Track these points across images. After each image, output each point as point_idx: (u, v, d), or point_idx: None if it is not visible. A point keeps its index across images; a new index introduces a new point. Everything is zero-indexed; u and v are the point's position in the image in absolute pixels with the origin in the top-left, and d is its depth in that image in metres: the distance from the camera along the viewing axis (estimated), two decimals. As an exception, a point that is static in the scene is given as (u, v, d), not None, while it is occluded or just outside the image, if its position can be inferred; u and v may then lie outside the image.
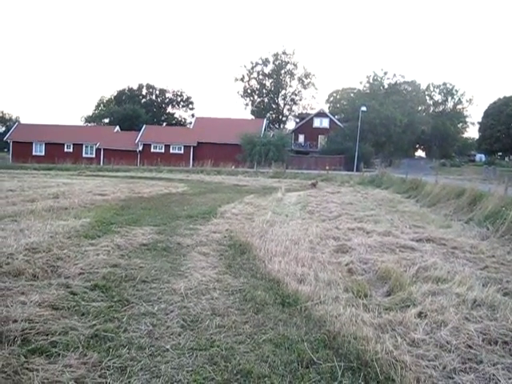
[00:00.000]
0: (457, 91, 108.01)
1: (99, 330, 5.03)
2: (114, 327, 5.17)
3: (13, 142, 66.02)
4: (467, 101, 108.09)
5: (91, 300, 6.01)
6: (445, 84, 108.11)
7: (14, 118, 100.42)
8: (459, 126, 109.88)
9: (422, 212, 17.08)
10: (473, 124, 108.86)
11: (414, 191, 24.04)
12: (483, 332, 5.19)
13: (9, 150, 68.14)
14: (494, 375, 4.35)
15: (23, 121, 77.95)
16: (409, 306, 6.10)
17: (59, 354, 4.48)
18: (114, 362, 4.38)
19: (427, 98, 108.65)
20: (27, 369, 4.18)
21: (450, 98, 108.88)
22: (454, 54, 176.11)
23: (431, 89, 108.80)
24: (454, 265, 8.48)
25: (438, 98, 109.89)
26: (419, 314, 5.78)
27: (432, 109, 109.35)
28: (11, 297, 5.87)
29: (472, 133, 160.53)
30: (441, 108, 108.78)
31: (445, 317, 5.60)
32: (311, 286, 6.85)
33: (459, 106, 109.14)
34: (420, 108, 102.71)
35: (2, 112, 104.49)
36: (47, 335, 4.84)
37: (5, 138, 69.34)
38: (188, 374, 4.27)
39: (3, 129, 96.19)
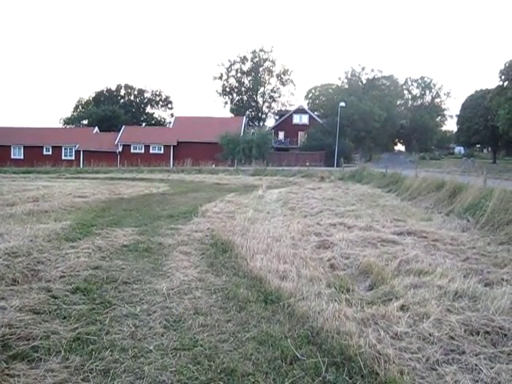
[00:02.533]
0: (434, 85, 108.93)
1: (81, 333, 4.99)
2: (96, 330, 5.13)
3: (-10, 145, 65.31)
4: (445, 94, 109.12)
5: (73, 303, 5.97)
6: (422, 78, 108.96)
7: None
8: (438, 119, 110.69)
9: (403, 206, 17.19)
10: (451, 117, 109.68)
11: (394, 185, 24.15)
12: (465, 323, 5.24)
13: (-14, 154, 67.35)
14: (476, 365, 4.39)
15: (0, 124, 76.82)
16: (391, 300, 6.13)
17: (41, 359, 4.44)
18: (96, 365, 4.35)
19: (405, 92, 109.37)
20: (8, 375, 4.13)
21: (427, 92, 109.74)
22: (430, 48, 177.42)
23: (409, 83, 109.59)
24: (436, 257, 8.55)
25: (416, 92, 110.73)
26: (402, 307, 5.81)
27: (410, 103, 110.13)
28: (-9, 302, 5.80)
29: (450, 126, 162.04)
30: (419, 102, 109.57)
31: (427, 309, 5.64)
32: (293, 282, 6.86)
33: (437, 100, 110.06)
34: (399, 102, 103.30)
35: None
36: (28, 340, 4.79)
37: (-18, 142, 68.54)
38: (172, 374, 4.25)
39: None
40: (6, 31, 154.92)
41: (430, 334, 4.99)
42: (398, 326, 5.20)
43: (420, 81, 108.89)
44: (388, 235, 10.57)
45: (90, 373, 4.23)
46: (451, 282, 6.76)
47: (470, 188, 15.13)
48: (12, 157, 63.22)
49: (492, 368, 4.35)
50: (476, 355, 4.58)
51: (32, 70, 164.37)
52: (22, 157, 63.57)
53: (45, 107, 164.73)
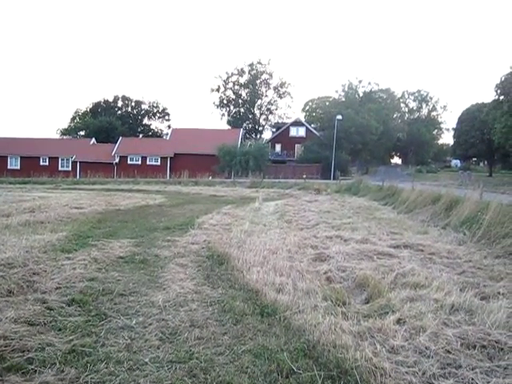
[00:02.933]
0: (431, 98, 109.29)
1: (76, 345, 4.97)
2: (91, 342, 5.11)
3: (-14, 156, 65.26)
4: (441, 107, 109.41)
5: (68, 315, 5.94)
6: (419, 91, 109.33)
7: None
8: (434, 132, 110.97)
9: (399, 219, 17.19)
10: (447, 130, 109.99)
11: (390, 198, 24.19)
12: (461, 337, 5.22)
13: (-17, 164, 67.32)
14: (472, 379, 4.38)
15: (-3, 134, 76.96)
16: (387, 313, 6.12)
17: (36, 371, 4.42)
18: (91, 378, 4.33)
19: (402, 105, 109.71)
20: (2, 387, 4.11)
21: (424, 105, 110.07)
22: (427, 62, 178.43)
23: (406, 96, 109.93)
24: (432, 270, 8.54)
25: (412, 105, 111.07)
26: (398, 321, 5.80)
27: (407, 116, 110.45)
28: (-14, 314, 5.77)
29: (447, 139, 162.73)
30: (416, 115, 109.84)
31: (423, 323, 5.62)
32: (290, 295, 6.84)
33: (434, 113, 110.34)
34: (395, 115, 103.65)
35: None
36: (23, 352, 4.77)
37: (-22, 153, 68.51)
38: (167, 387, 4.23)
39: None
40: (3, 41, 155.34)
41: (426, 348, 4.98)
42: (395, 340, 5.19)
43: (417, 94, 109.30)
44: (384, 248, 10.57)
45: (85, 385, 4.21)
46: (447, 295, 6.75)
47: (466, 201, 15.17)
48: (9, 167, 63.25)
49: (488, 382, 4.33)
50: (472, 369, 4.57)
51: (29, 80, 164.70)
52: (18, 167, 63.57)
53: (42, 118, 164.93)
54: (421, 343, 5.08)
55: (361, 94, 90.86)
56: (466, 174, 55.72)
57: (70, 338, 5.19)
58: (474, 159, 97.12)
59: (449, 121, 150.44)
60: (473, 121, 71.23)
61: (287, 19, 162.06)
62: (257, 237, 11.88)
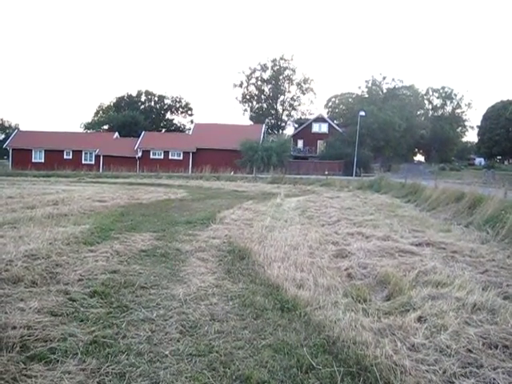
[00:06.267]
0: (455, 95, 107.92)
1: (98, 337, 5.02)
2: (112, 333, 5.16)
3: (12, 149, 65.96)
4: (466, 105, 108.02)
5: (90, 306, 6.01)
6: (443, 88, 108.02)
7: (13, 125, 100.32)
8: (458, 129, 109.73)
9: (422, 216, 17.07)
10: (472, 128, 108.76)
11: (413, 196, 24.02)
12: (483, 336, 5.17)
13: (8, 157, 68.10)
14: (494, 379, 4.33)
15: (23, 128, 77.95)
16: (408, 311, 6.09)
17: (58, 361, 4.48)
18: (112, 369, 4.37)
19: (426, 102, 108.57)
20: (26, 375, 4.18)
21: (448, 102, 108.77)
22: (452, 58, 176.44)
23: (430, 93, 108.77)
24: (454, 269, 8.47)
25: (436, 102, 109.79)
26: (419, 319, 5.76)
27: (431, 113, 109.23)
28: (10, 303, 5.87)
29: (471, 137, 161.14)
30: (439, 112, 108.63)
31: (445, 321, 5.58)
32: (310, 291, 6.84)
33: (458, 110, 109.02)
34: (419, 112, 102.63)
35: (2, 119, 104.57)
36: (46, 342, 4.84)
37: (4, 146, 69.30)
38: (187, 379, 4.26)
39: (3, 136, 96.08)
40: (30, 36, 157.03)
41: (447, 347, 4.93)
42: (415, 338, 5.16)
43: (441, 91, 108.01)
44: (406, 246, 10.50)
45: (106, 376, 4.25)
46: (470, 294, 6.68)
47: (490, 200, 15.00)
48: (33, 160, 63.72)
49: (510, 383, 4.29)
50: (494, 369, 4.52)
51: (54, 75, 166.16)
52: (42, 160, 64.06)
53: (66, 112, 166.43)
54: (442, 342, 5.04)
55: (384, 91, 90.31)
56: (490, 172, 55.12)
57: (92, 329, 5.25)
58: (499, 157, 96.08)
59: (473, 118, 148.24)
60: (498, 118, 70.46)
61: (311, 14, 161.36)
62: (278, 232, 11.87)
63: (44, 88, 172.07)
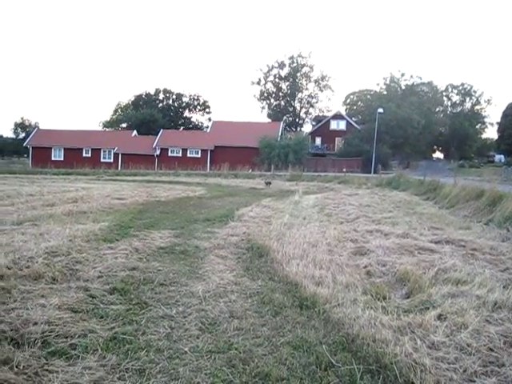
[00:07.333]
0: (475, 92, 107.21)
1: (118, 333, 5.05)
2: (132, 330, 5.19)
3: (32, 147, 66.79)
4: (485, 101, 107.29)
5: (110, 303, 6.05)
6: (463, 84, 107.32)
7: (33, 123, 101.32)
8: (477, 126, 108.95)
9: (441, 214, 16.94)
10: (491, 124, 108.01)
11: (432, 193, 23.83)
12: (504, 335, 5.12)
13: (28, 155, 68.91)
14: (516, 378, 4.29)
15: (42, 126, 78.72)
16: (428, 308, 6.04)
17: (78, 357, 4.51)
18: (132, 365, 4.40)
19: (445, 99, 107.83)
20: (47, 370, 4.21)
21: (468, 99, 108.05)
22: (472, 55, 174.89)
23: (449, 90, 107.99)
24: (474, 267, 8.39)
25: (455, 98, 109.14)
26: (439, 317, 5.72)
27: (450, 110, 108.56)
28: (31, 300, 5.92)
29: (491, 133, 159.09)
30: (458, 109, 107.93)
31: (465, 319, 5.53)
32: (329, 288, 6.81)
33: (477, 107, 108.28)
34: (437, 109, 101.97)
35: (22, 118, 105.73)
36: (67, 338, 4.88)
37: (24, 144, 70.27)
38: (206, 376, 4.27)
39: (23, 135, 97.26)
40: (49, 36, 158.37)
41: (467, 345, 4.89)
42: (435, 336, 5.12)
43: (460, 87, 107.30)
44: (425, 243, 10.42)
45: (126, 372, 4.28)
46: (490, 292, 6.62)
47: (510, 197, 14.84)
48: (53, 158, 64.39)
49: (532, 382, 4.25)
50: (516, 368, 4.48)
51: (73, 73, 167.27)
52: (62, 158, 64.72)
53: (85, 110, 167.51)
54: (462, 340, 5.00)
55: (403, 87, 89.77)
56: (511, 169, 54.57)
57: (112, 325, 5.28)
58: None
59: (493, 115, 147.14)
60: (518, 115, 69.64)
61: (328, 11, 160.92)
62: (296, 230, 11.84)
63: (63, 87, 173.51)
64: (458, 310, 5.87)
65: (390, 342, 4.91)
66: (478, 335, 5.11)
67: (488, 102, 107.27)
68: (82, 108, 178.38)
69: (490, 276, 7.70)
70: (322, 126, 78.39)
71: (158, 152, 64.36)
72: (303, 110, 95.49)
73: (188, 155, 64.07)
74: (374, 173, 51.50)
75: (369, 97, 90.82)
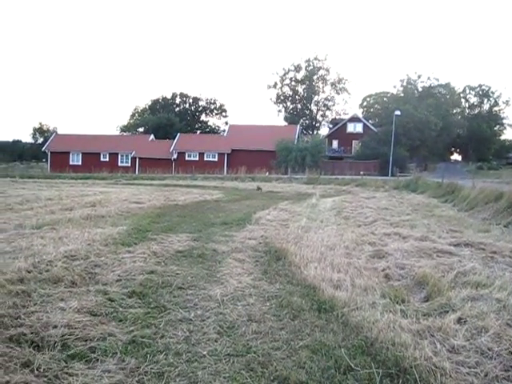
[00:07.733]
0: (493, 93, 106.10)
1: (137, 336, 5.08)
2: (151, 333, 5.21)
3: (50, 152, 67.44)
4: (504, 102, 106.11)
5: (129, 306, 6.08)
6: (480, 86, 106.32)
7: (51, 128, 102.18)
8: (496, 128, 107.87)
9: (460, 216, 16.81)
10: (510, 126, 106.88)
11: (450, 195, 23.68)
12: (526, 338, 5.06)
13: (47, 159, 69.56)
14: (538, 383, 4.24)
15: (60, 131, 79.24)
16: (448, 312, 5.99)
17: (98, 360, 4.54)
18: (151, 368, 4.41)
19: (462, 100, 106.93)
20: (67, 373, 4.25)
21: (486, 100, 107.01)
22: (489, 56, 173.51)
23: (467, 91, 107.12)
24: (494, 269, 8.31)
25: (473, 100, 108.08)
26: (459, 320, 5.67)
27: (467, 111, 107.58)
28: (51, 303, 5.98)
29: (510, 135, 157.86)
30: (476, 110, 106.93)
31: (485, 323, 5.47)
32: (347, 291, 6.79)
33: (496, 108, 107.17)
34: (455, 111, 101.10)
35: (41, 123, 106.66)
36: (86, 341, 4.91)
37: (43, 149, 71.03)
38: (225, 379, 4.27)
39: (41, 139, 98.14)
40: (66, 41, 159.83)
41: (488, 349, 4.84)
42: (455, 339, 5.07)
43: (478, 89, 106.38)
44: (444, 246, 10.34)
45: (145, 375, 4.29)
46: (511, 295, 6.55)
47: (530, 199, 14.69)
48: (71, 163, 64.98)
49: (554, 386, 4.19)
50: (538, 373, 4.42)
51: (91, 78, 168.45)
52: (80, 163, 65.21)
53: (102, 115, 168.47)
54: (483, 344, 4.95)
55: (420, 90, 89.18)
56: (530, 171, 54.00)
57: (131, 328, 5.31)
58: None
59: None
60: (538, 116, 68.88)
61: (344, 13, 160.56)
62: (314, 233, 11.82)
63: (81, 92, 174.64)
64: (478, 314, 5.80)
65: (409, 345, 4.87)
66: (499, 339, 5.06)
67: (506, 103, 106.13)
68: (99, 113, 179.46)
69: (510, 279, 7.62)
70: (338, 128, 78.14)
71: (175, 156, 64.59)
72: (320, 113, 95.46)
73: (205, 159, 64.24)
74: (392, 175, 51.31)
75: (385, 99, 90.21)
